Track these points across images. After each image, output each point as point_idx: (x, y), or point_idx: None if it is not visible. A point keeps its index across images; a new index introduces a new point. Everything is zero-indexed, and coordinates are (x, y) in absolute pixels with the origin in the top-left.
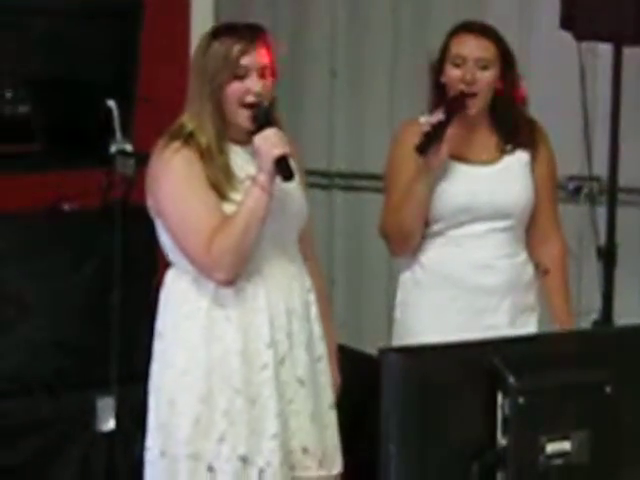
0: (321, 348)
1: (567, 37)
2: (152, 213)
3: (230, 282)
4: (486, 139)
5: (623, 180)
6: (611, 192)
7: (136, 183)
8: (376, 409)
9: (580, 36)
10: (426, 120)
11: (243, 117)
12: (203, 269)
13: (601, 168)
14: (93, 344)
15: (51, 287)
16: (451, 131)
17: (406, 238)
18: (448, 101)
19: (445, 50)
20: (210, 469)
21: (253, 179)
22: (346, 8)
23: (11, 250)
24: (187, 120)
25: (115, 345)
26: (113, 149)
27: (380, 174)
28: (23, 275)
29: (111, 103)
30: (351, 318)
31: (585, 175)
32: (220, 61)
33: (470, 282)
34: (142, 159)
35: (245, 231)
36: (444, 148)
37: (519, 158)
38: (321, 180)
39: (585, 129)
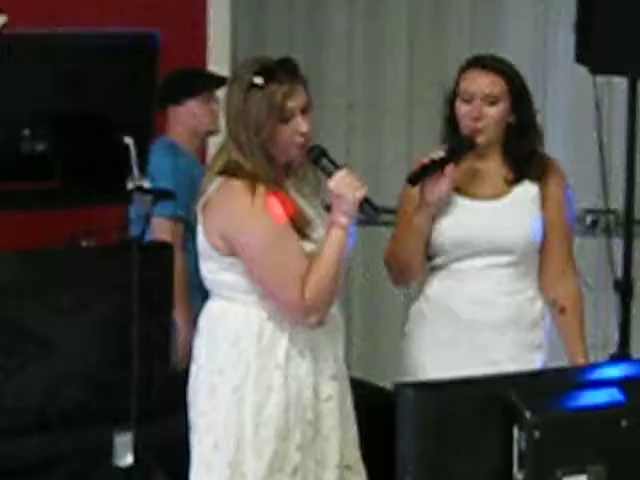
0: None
1: (582, 71)
2: (218, 252)
3: (321, 323)
4: (495, 172)
5: (639, 213)
6: (627, 225)
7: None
8: (393, 443)
9: (595, 70)
10: (430, 155)
11: (295, 153)
12: (298, 314)
13: (617, 201)
14: (111, 379)
15: (70, 322)
16: (456, 166)
17: (403, 269)
18: (455, 141)
19: (456, 85)
20: None
21: (332, 221)
22: (362, 41)
23: (29, 285)
24: (239, 158)
25: (134, 380)
26: (130, 186)
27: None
28: (41, 310)
29: (128, 140)
30: (368, 353)
31: (601, 208)
32: (264, 109)
33: (468, 316)
34: (159, 195)
35: (334, 274)
36: (443, 184)
37: (527, 191)
38: None
39: (601, 162)
